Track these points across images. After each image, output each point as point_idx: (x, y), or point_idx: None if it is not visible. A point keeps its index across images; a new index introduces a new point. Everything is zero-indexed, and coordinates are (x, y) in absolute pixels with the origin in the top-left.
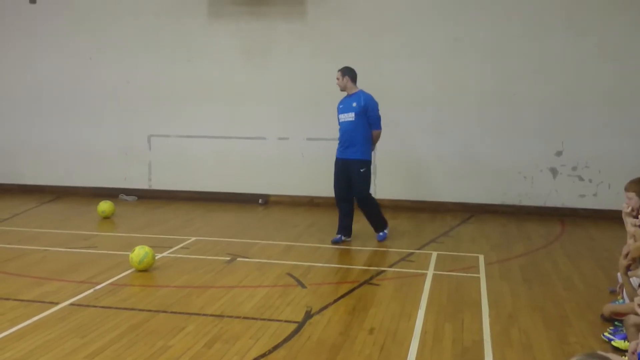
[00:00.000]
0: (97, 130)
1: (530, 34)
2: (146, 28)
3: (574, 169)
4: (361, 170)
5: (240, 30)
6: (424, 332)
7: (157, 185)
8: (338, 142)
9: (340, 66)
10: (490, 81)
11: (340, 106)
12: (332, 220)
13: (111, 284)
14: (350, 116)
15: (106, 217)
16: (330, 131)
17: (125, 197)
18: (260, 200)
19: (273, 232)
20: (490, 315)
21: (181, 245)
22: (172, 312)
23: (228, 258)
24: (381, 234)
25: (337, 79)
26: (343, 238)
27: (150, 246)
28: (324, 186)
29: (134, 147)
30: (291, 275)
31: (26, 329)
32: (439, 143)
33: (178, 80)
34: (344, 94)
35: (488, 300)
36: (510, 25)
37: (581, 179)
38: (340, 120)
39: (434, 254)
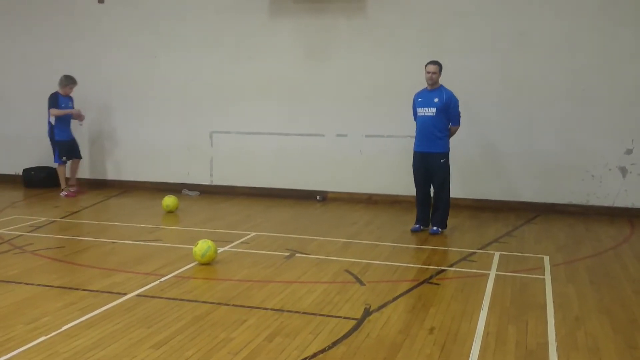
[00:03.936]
0: (161, 127)
1: (599, 27)
2: (209, 26)
3: None
4: (441, 161)
5: (300, 27)
6: (486, 334)
7: (218, 181)
8: (415, 135)
9: (403, 61)
10: (557, 76)
11: (420, 99)
12: (390, 218)
13: (176, 276)
14: (431, 111)
15: (170, 212)
16: (389, 128)
17: (188, 192)
18: (318, 197)
19: (331, 228)
20: (555, 318)
21: (241, 240)
22: (233, 305)
23: (287, 253)
24: (436, 229)
25: (435, 73)
26: (422, 228)
27: (212, 240)
28: (382, 183)
29: (197, 143)
30: (349, 272)
31: (95, 318)
32: (503, 140)
33: (239, 77)
34: (417, 87)
35: (553, 303)
36: (577, 18)
37: None
38: (419, 114)
39: (497, 254)
